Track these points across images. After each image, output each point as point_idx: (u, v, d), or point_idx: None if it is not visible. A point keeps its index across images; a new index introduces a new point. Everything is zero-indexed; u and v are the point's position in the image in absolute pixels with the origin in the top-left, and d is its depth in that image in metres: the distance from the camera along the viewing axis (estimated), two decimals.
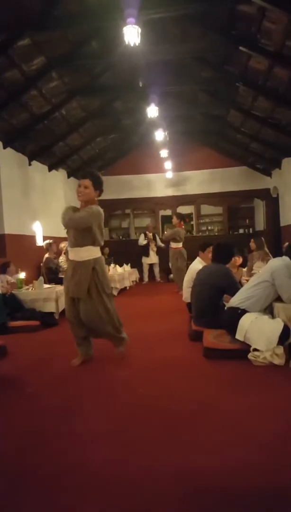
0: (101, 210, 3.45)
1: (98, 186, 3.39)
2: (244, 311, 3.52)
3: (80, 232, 3.37)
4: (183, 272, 8.53)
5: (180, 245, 8.52)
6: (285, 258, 3.60)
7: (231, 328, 3.54)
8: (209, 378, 3.11)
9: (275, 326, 3.33)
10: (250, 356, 3.33)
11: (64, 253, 8.36)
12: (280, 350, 3.24)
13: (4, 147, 7.65)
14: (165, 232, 8.92)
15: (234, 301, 3.68)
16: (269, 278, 3.50)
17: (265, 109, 8.20)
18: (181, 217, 8.91)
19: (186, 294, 5.20)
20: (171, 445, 2.06)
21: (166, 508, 1.58)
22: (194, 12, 6.16)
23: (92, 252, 3.43)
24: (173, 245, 8.55)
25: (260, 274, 3.74)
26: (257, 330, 3.35)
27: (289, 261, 3.54)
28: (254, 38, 6.08)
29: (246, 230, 13.19)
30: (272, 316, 3.63)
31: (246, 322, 3.42)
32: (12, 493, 1.73)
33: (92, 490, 1.71)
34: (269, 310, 3.70)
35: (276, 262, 3.60)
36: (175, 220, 8.67)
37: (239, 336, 3.44)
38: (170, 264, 8.77)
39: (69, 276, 3.47)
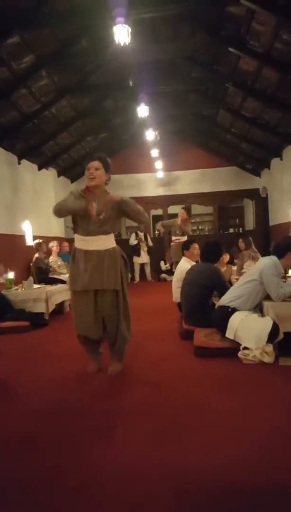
0: None
1: (108, 168, 3.09)
2: (234, 310, 3.55)
3: (112, 218, 3.06)
4: None
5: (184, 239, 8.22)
6: (272, 257, 3.64)
7: (221, 326, 3.57)
8: (199, 376, 3.13)
9: (264, 324, 3.37)
10: (240, 354, 3.36)
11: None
12: (270, 348, 3.28)
13: None
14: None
15: (224, 299, 3.72)
16: (258, 277, 3.55)
17: (254, 109, 8.26)
18: (189, 210, 8.48)
19: (176, 294, 5.21)
20: (162, 443, 2.07)
21: (159, 508, 1.58)
22: (184, 12, 6.18)
23: (113, 240, 3.14)
24: (182, 238, 8.10)
25: (249, 273, 3.78)
26: (246, 329, 3.39)
27: (277, 260, 3.59)
28: (243, 39, 6.13)
29: (236, 229, 13.31)
30: (262, 314, 3.66)
31: (236, 321, 3.46)
32: (5, 495, 1.72)
33: (85, 491, 1.71)
34: (259, 309, 3.74)
35: (264, 261, 3.65)
36: (184, 214, 8.12)
37: (229, 334, 3.48)
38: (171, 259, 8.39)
39: (88, 267, 3.00)
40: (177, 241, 8.19)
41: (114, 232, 3.16)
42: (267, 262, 3.59)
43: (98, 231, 3.03)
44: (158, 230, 10.89)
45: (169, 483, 1.72)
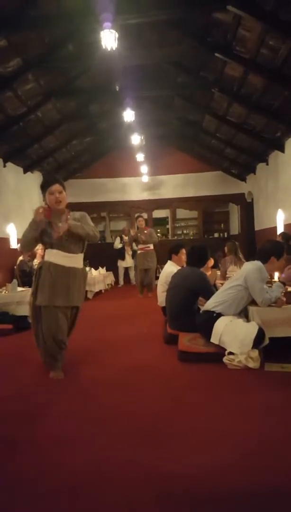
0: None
1: (65, 189, 3.27)
2: (219, 315, 3.56)
3: (78, 240, 3.28)
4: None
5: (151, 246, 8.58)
6: (257, 262, 3.65)
7: (206, 331, 3.58)
8: (183, 381, 3.13)
9: (249, 330, 3.36)
10: (225, 359, 3.36)
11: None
12: (255, 353, 3.27)
13: None
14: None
15: (209, 304, 3.72)
16: (242, 282, 3.55)
17: (240, 115, 8.36)
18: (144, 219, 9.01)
19: (161, 298, 5.21)
20: (144, 447, 2.07)
21: (141, 510, 1.58)
22: (171, 18, 6.23)
23: (82, 260, 3.41)
24: (150, 246, 8.56)
25: (233, 278, 3.79)
26: (231, 334, 3.39)
27: (261, 265, 3.59)
28: (230, 45, 6.20)
29: (221, 234, 13.39)
30: (247, 319, 3.68)
31: (220, 326, 3.46)
32: None
33: (68, 494, 1.70)
34: (244, 314, 3.76)
35: (249, 266, 3.66)
36: (141, 222, 8.65)
37: (214, 339, 3.48)
38: (146, 266, 8.58)
39: (71, 284, 3.21)
40: (146, 249, 8.35)
41: (81, 252, 3.36)
42: (251, 267, 3.60)
43: (71, 249, 3.24)
44: (122, 241, 10.97)
45: (152, 488, 1.72)
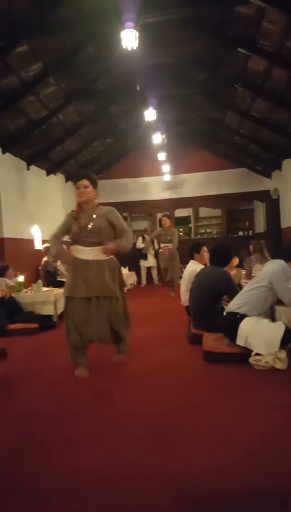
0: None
1: (95, 185, 3.39)
2: (243, 316, 3.48)
3: (107, 233, 3.34)
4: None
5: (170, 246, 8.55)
6: (280, 261, 3.57)
7: (231, 333, 3.51)
8: (208, 381, 3.09)
9: (276, 330, 3.30)
10: (251, 360, 3.30)
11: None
12: (283, 354, 3.20)
13: (3, 152, 7.66)
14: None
15: (232, 305, 3.65)
16: (266, 282, 3.47)
17: (263, 110, 8.21)
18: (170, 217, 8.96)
19: (184, 297, 5.18)
20: (166, 447, 2.06)
21: (158, 511, 1.58)
22: (190, 16, 6.18)
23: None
24: (170, 245, 8.53)
25: (257, 278, 3.69)
26: (257, 335, 3.32)
27: (284, 264, 3.52)
28: (253, 39, 6.09)
29: (245, 232, 13.15)
30: (273, 319, 3.61)
31: (246, 327, 3.39)
32: (8, 495, 1.73)
33: (85, 494, 1.70)
34: (269, 314, 3.69)
35: (272, 266, 3.57)
36: (166, 221, 8.65)
37: (240, 341, 3.40)
38: (165, 265, 8.59)
39: (90, 276, 3.26)
40: (165, 248, 8.31)
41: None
42: (275, 267, 3.51)
43: (96, 242, 3.31)
44: (144, 241, 11.02)
45: (168, 487, 1.71)
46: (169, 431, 2.25)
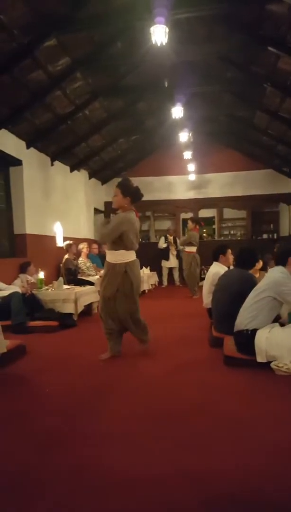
0: (131, 216, 3.75)
1: (127, 193, 3.76)
2: (254, 331, 3.38)
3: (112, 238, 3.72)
4: (196, 277, 8.53)
5: (194, 249, 8.56)
6: (279, 268, 3.55)
7: (249, 353, 3.38)
8: (227, 386, 3.02)
9: (290, 333, 3.25)
10: (272, 365, 3.22)
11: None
12: None
13: (28, 147, 7.69)
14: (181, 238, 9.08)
15: (240, 323, 3.53)
16: (272, 293, 3.40)
17: None
18: (196, 221, 9.01)
19: (207, 299, 5.08)
20: (184, 450, 2.02)
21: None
22: (221, 13, 6.05)
23: (125, 256, 3.76)
24: (187, 249, 8.61)
25: (259, 289, 3.56)
26: (276, 345, 3.24)
27: (284, 271, 3.50)
28: (283, 38, 5.93)
29: (270, 235, 12.86)
30: (282, 323, 3.58)
31: (261, 342, 3.29)
32: (21, 492, 1.72)
33: (102, 492, 1.69)
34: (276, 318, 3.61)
35: (274, 276, 3.50)
36: (190, 224, 8.77)
37: (260, 358, 3.30)
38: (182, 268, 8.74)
39: (105, 276, 3.82)
40: (189, 252, 8.46)
41: (122, 249, 3.78)
42: (278, 277, 3.46)
43: (110, 247, 3.84)
44: (167, 241, 11.15)
45: (193, 490, 1.68)
46: (186, 433, 2.22)
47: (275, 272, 3.55)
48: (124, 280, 3.73)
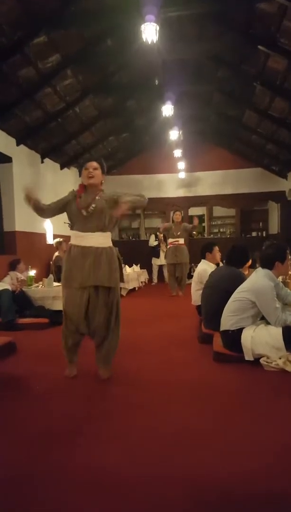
0: None
1: (103, 170, 3.24)
2: (240, 330, 3.41)
3: (106, 216, 3.10)
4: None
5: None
6: (264, 272, 3.47)
7: (236, 350, 3.42)
8: (217, 382, 3.03)
9: (274, 332, 3.26)
10: (262, 360, 3.25)
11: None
12: None
13: (18, 144, 7.64)
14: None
15: (225, 322, 3.56)
16: (252, 298, 3.39)
17: (282, 110, 8.08)
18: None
19: (195, 297, 5.12)
20: (177, 450, 2.01)
21: None
22: (212, 11, 6.07)
23: (110, 239, 3.19)
24: (180, 240, 8.42)
25: (242, 289, 3.57)
26: (260, 344, 3.27)
27: (269, 273, 3.45)
28: (274, 37, 5.98)
29: (259, 233, 13.00)
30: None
31: (247, 341, 3.32)
32: (18, 494, 1.71)
33: (97, 493, 1.68)
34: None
35: (259, 282, 3.43)
36: (179, 216, 8.58)
37: (248, 357, 3.33)
38: (174, 261, 8.38)
39: (86, 264, 3.02)
40: (175, 243, 8.23)
41: (109, 230, 3.18)
42: (263, 284, 3.38)
43: (95, 227, 3.08)
44: (157, 239, 11.03)
45: (182, 490, 1.68)
46: (181, 432, 2.21)
47: (259, 277, 3.47)
48: (119, 268, 3.24)
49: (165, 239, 11.09)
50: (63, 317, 3.17)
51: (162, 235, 11.18)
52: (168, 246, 8.53)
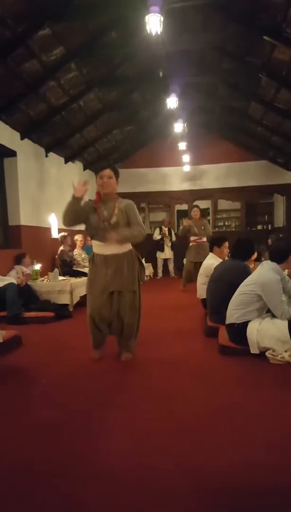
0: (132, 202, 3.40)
1: (118, 176, 3.35)
2: (246, 323, 3.41)
3: (122, 223, 3.27)
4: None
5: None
6: (272, 265, 3.46)
7: (242, 343, 3.43)
8: (223, 375, 3.06)
9: (280, 325, 3.26)
10: (267, 354, 3.27)
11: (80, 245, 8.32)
12: None
13: (22, 138, 7.63)
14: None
15: (230, 315, 3.56)
16: (260, 291, 3.39)
17: (288, 101, 7.99)
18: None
19: (201, 290, 5.12)
20: (182, 441, 2.04)
21: (174, 503, 1.57)
22: (216, 2, 5.99)
23: (129, 243, 3.37)
24: (202, 239, 8.16)
25: (248, 281, 3.57)
26: (266, 337, 3.28)
27: (277, 267, 3.43)
28: (279, 27, 5.89)
29: (264, 226, 12.92)
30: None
31: (253, 334, 3.33)
32: (23, 483, 1.73)
33: (102, 483, 1.70)
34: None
35: (266, 275, 3.42)
36: (197, 213, 8.36)
37: (253, 350, 3.34)
38: (197, 259, 7.87)
39: (110, 272, 3.26)
40: (198, 241, 8.10)
41: None
42: (269, 277, 3.37)
43: (105, 237, 3.23)
44: (161, 233, 10.99)
45: (190, 481, 1.69)
46: (186, 423, 2.23)
47: (265, 270, 3.46)
48: (138, 270, 3.47)
49: (170, 233, 11.15)
50: (89, 320, 3.42)
51: (166, 229, 11.16)
52: (191, 244, 8.29)
